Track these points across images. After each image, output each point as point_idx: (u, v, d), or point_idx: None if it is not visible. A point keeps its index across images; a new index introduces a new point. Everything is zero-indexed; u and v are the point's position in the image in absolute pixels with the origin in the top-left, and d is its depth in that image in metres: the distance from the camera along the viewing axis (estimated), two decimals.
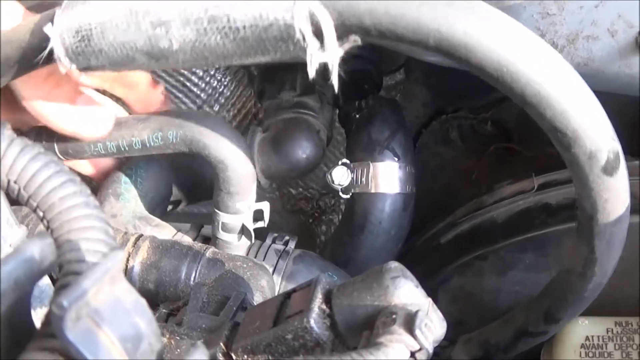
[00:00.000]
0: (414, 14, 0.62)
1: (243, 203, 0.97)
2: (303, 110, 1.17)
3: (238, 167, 0.94)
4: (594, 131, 0.69)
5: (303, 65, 1.15)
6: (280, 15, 0.62)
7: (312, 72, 0.63)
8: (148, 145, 0.93)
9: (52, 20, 0.69)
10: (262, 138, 1.09)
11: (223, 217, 0.98)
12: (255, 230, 1.00)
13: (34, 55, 0.71)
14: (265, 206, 1.00)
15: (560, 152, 0.73)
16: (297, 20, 0.61)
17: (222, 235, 0.99)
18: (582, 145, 0.69)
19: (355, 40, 0.64)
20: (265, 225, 1.02)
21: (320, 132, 1.15)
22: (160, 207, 1.08)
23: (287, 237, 1.09)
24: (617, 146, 0.72)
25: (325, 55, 0.62)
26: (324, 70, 0.64)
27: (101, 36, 0.67)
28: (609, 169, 0.72)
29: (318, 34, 0.62)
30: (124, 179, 1.03)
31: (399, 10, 0.62)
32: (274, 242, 1.08)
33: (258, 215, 1.00)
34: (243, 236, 1.00)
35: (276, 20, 0.62)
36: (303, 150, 1.09)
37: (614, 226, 0.77)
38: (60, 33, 0.69)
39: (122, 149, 0.94)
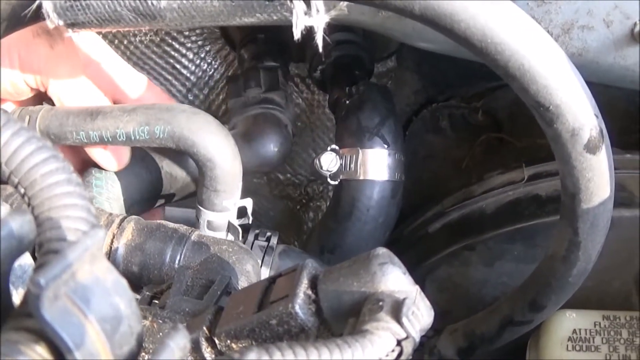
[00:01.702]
0: None
1: (229, 201, 0.96)
2: (270, 106, 1.18)
3: (226, 165, 0.93)
4: (577, 107, 0.69)
5: (266, 67, 1.15)
6: None
7: (297, 34, 0.64)
8: (133, 138, 0.92)
9: None
10: (232, 134, 1.08)
11: (209, 215, 0.97)
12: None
13: (23, 10, 0.71)
14: (248, 202, 1.00)
15: (543, 129, 0.73)
16: None
17: (208, 233, 0.98)
18: (564, 121, 0.70)
19: (341, 9, 0.64)
20: (250, 222, 1.02)
21: (288, 126, 1.17)
22: (131, 210, 1.06)
23: (268, 233, 1.09)
24: (600, 124, 0.72)
25: (312, 20, 0.62)
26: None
27: None
28: (592, 147, 0.72)
29: None
30: (95, 181, 1.01)
31: None
32: (256, 238, 1.07)
33: (241, 212, 1.00)
34: (229, 234, 0.99)
35: None
36: (274, 144, 1.12)
37: (598, 208, 0.77)
38: None
39: (105, 140, 0.93)
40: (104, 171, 1.02)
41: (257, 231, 1.08)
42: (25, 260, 0.70)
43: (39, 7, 0.69)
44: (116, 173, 1.02)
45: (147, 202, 1.09)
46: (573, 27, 0.87)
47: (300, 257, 1.06)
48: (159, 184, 1.09)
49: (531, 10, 0.86)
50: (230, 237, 1.00)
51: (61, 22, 0.70)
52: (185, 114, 0.92)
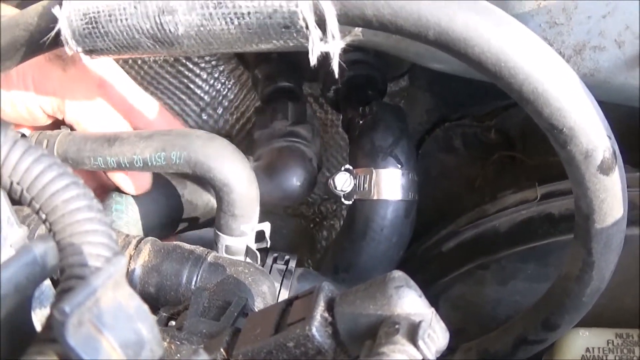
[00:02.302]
0: (415, 6, 0.63)
1: (247, 225, 0.96)
2: (296, 139, 1.18)
3: (243, 190, 0.93)
4: (590, 129, 0.70)
5: (294, 96, 1.16)
6: (284, 2, 0.63)
7: (313, 60, 0.64)
8: (150, 164, 0.92)
9: (60, 3, 0.70)
10: (256, 166, 1.10)
11: (227, 240, 0.97)
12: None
13: (41, 37, 0.72)
14: (266, 227, 1.00)
15: (556, 150, 0.73)
16: (300, 7, 0.62)
17: None
18: (578, 143, 0.70)
19: (357, 34, 0.65)
20: (268, 246, 1.02)
21: (312, 160, 1.16)
22: (149, 236, 1.07)
23: (287, 257, 1.09)
24: (613, 145, 0.72)
25: (327, 46, 0.63)
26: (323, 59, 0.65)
27: (108, 19, 0.69)
28: (605, 168, 0.72)
29: (321, 23, 0.63)
30: (115, 206, 1.02)
31: (400, 2, 0.63)
32: (275, 262, 1.08)
33: (259, 236, 1.00)
34: (248, 258, 0.99)
35: (280, 7, 0.63)
36: (297, 178, 1.11)
37: (611, 228, 0.78)
38: (67, 15, 0.70)
39: (123, 166, 0.94)
40: (124, 195, 1.03)
41: (275, 254, 1.09)
42: (44, 282, 0.70)
43: (58, 34, 0.70)
44: (136, 198, 1.03)
45: (166, 227, 1.10)
46: (585, 48, 0.88)
47: (318, 280, 1.06)
48: (178, 211, 1.09)
49: (543, 32, 0.86)
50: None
51: (80, 49, 0.71)
52: (201, 140, 0.92)
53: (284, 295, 1.01)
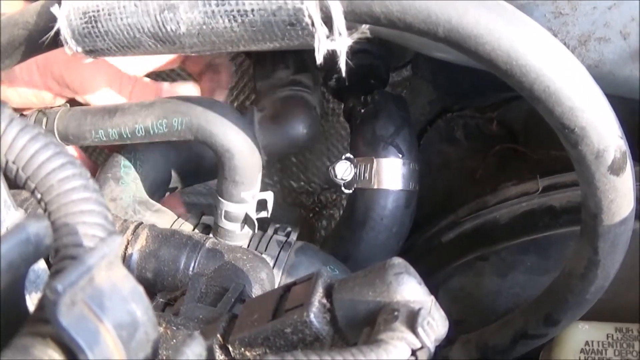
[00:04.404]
0: (424, 3, 0.61)
1: (248, 192, 0.96)
2: (299, 88, 1.17)
3: (245, 156, 0.93)
4: (602, 129, 0.69)
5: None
6: None
7: (319, 59, 0.62)
8: (152, 132, 0.93)
9: (59, 2, 0.68)
10: (262, 116, 1.09)
11: (227, 205, 0.97)
12: (257, 220, 1.00)
13: (40, 37, 0.71)
14: (269, 196, 1.00)
15: (567, 150, 0.72)
16: (306, 5, 0.61)
17: (225, 223, 0.98)
18: (589, 143, 0.69)
19: (364, 31, 0.63)
20: (269, 216, 1.02)
21: (317, 108, 1.16)
22: (159, 191, 1.07)
23: (289, 229, 1.08)
24: (624, 145, 0.71)
25: (334, 43, 0.62)
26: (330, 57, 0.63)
27: (108, 18, 0.67)
28: (616, 169, 0.71)
29: (327, 20, 0.61)
30: (123, 162, 1.03)
31: None
32: (275, 233, 1.07)
33: (261, 205, 1.00)
34: (246, 225, 0.99)
35: (285, 4, 0.62)
36: (304, 126, 1.10)
37: (619, 227, 0.77)
38: (67, 14, 0.68)
39: (125, 136, 0.94)
40: (132, 151, 1.03)
41: (277, 225, 1.09)
42: (39, 265, 0.70)
43: (57, 33, 0.69)
44: (144, 153, 1.04)
45: (175, 182, 1.10)
46: (590, 39, 0.87)
47: (317, 255, 1.06)
48: (186, 165, 1.10)
49: (548, 22, 0.86)
50: (247, 230, 1.00)
51: (79, 49, 0.70)
52: (203, 106, 0.92)
53: (277, 273, 1.00)
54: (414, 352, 0.52)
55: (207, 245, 0.89)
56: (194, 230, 1.02)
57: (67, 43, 0.70)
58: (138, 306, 0.45)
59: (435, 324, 0.54)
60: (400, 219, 1.13)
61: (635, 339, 1.00)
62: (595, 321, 1.01)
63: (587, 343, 1.00)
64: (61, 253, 0.48)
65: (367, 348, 0.50)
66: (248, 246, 1.04)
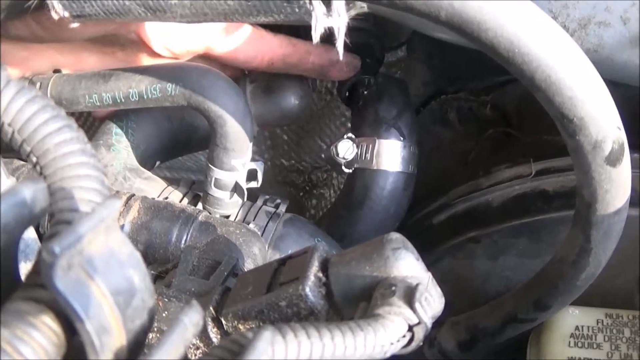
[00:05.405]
0: None
1: (238, 160, 0.96)
2: None
3: (236, 123, 0.93)
4: (601, 120, 0.68)
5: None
6: None
7: (316, 38, 0.61)
8: (145, 97, 0.92)
9: None
10: (254, 87, 1.10)
11: (217, 173, 0.97)
12: (247, 190, 1.00)
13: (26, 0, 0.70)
14: (259, 166, 1.00)
15: (564, 139, 0.72)
16: None
17: (214, 191, 0.98)
18: (587, 134, 0.68)
19: (362, 6, 0.62)
20: (259, 185, 1.02)
21: (308, 79, 1.16)
22: (151, 160, 1.07)
23: (278, 200, 1.09)
24: (622, 136, 0.71)
25: (331, 21, 0.61)
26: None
27: None
28: (613, 160, 0.71)
29: None
30: (115, 129, 1.02)
31: None
32: (264, 203, 1.07)
33: (251, 175, 1.00)
34: (235, 194, 0.99)
35: None
36: (295, 97, 1.11)
37: (612, 217, 0.77)
38: None
39: (118, 101, 0.94)
40: (124, 118, 1.03)
41: (266, 197, 1.09)
42: (29, 235, 0.69)
43: None
44: (136, 121, 1.03)
45: (167, 150, 1.11)
46: (590, 23, 0.87)
47: (305, 227, 1.06)
48: (179, 133, 1.10)
49: (549, 4, 0.85)
50: (236, 198, 1.00)
51: (66, 14, 0.69)
52: (197, 72, 0.93)
53: (268, 238, 1.00)
54: (410, 328, 0.51)
55: (200, 218, 0.89)
56: (183, 198, 1.02)
57: (53, 8, 0.69)
58: (135, 272, 0.44)
59: (432, 300, 0.54)
60: (398, 201, 1.14)
61: (625, 325, 1.00)
62: (586, 306, 1.01)
63: (577, 328, 1.00)
64: (56, 217, 0.47)
65: (364, 322, 0.49)
66: (237, 215, 1.04)
